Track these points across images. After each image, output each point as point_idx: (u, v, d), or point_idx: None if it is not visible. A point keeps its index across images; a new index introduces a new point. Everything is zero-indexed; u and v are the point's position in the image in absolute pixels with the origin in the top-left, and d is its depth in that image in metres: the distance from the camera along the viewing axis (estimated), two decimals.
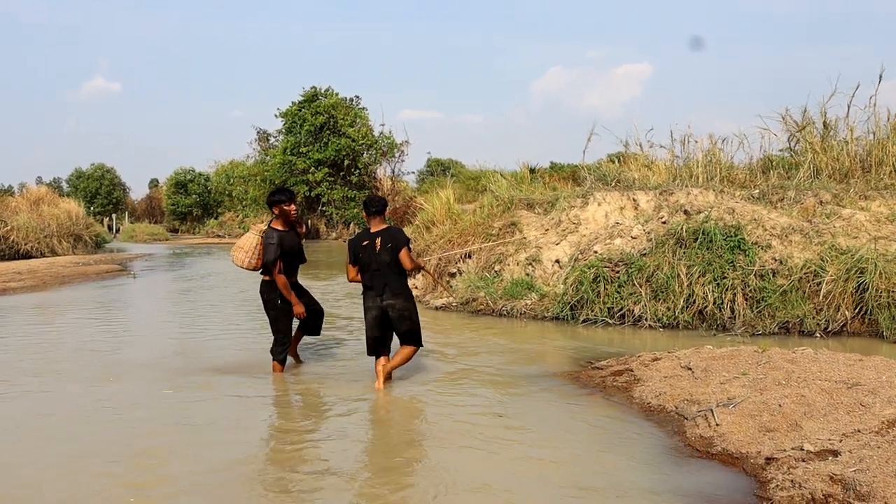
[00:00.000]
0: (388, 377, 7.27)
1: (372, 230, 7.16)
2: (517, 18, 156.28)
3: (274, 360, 7.77)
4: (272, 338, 7.83)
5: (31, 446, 5.57)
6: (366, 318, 7.23)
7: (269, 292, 7.65)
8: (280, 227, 7.60)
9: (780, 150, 15.68)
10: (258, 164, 51.11)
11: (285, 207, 7.60)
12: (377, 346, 7.25)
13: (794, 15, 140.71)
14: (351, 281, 7.38)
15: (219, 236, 53.88)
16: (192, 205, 65.11)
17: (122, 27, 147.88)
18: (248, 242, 7.67)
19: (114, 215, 60.56)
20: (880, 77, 14.60)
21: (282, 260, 7.51)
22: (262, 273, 7.69)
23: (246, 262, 7.65)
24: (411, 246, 7.62)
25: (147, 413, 6.41)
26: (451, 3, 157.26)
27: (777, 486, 4.35)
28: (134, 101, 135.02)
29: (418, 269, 7.55)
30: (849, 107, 14.55)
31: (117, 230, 54.62)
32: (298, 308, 7.65)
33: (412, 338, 7.26)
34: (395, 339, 7.37)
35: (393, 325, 7.20)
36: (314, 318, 8.10)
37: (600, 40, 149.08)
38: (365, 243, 7.10)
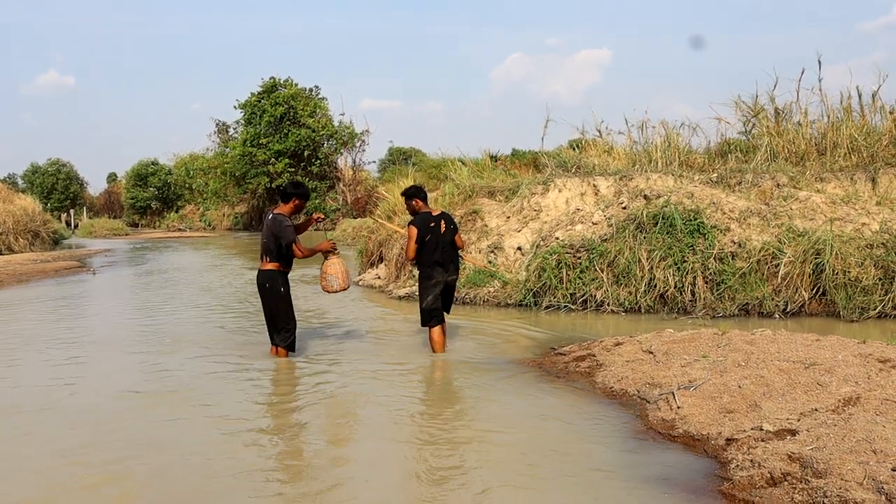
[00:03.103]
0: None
1: (433, 213, 7.96)
2: (474, 6, 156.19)
3: (280, 347, 7.94)
4: (265, 327, 8.11)
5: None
6: (432, 291, 7.89)
7: (269, 280, 7.79)
8: (284, 212, 7.84)
9: (739, 133, 15.87)
10: (218, 156, 50.64)
11: (297, 202, 7.88)
12: (441, 316, 8.06)
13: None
14: (410, 259, 8.06)
15: (180, 230, 53.37)
16: (151, 198, 64.35)
17: (75, 19, 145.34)
18: (335, 268, 7.97)
19: (72, 211, 59.52)
20: (819, 63, 14.97)
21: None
22: (267, 259, 7.80)
23: (338, 285, 7.95)
24: None
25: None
26: None
27: (737, 466, 4.41)
28: (89, 95, 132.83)
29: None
30: (797, 91, 14.85)
31: (76, 226, 53.69)
32: (324, 245, 7.98)
33: (450, 307, 8.27)
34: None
35: (446, 296, 8.05)
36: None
37: (559, 26, 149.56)
38: (432, 225, 7.85)
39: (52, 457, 5.12)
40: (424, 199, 8.11)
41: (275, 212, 7.81)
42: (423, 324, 8.08)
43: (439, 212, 8.06)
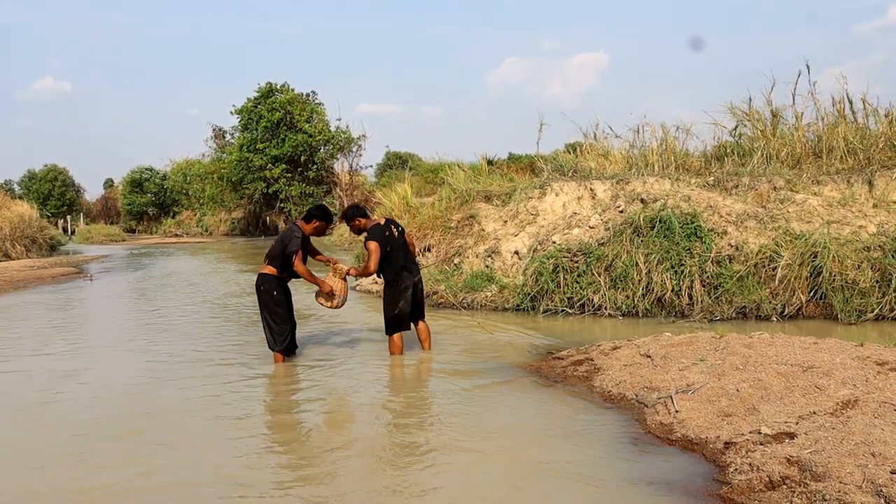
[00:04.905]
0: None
1: (380, 222, 8.00)
2: (470, 9, 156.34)
3: (274, 351, 8.00)
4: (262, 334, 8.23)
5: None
6: (403, 296, 7.92)
7: (265, 283, 7.94)
8: (303, 229, 7.97)
9: (733, 137, 15.84)
10: (215, 161, 50.56)
11: (318, 224, 8.01)
12: (410, 319, 8.11)
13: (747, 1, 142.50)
14: (373, 273, 7.86)
15: (177, 235, 53.30)
16: (148, 204, 64.29)
17: (72, 19, 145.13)
18: (339, 285, 8.04)
19: (68, 217, 59.42)
20: (808, 68, 14.95)
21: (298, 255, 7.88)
22: (268, 263, 7.94)
23: (336, 300, 8.03)
24: None
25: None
26: None
27: (736, 469, 4.40)
28: (85, 101, 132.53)
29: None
30: (794, 95, 14.85)
31: (72, 232, 53.58)
32: (325, 287, 7.94)
33: (424, 307, 8.37)
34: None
35: (416, 297, 8.11)
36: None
37: (554, 29, 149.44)
38: (387, 233, 7.90)
39: (69, 434, 5.75)
40: (365, 215, 8.16)
41: (296, 223, 8.01)
42: (390, 332, 8.07)
43: (383, 219, 8.13)
